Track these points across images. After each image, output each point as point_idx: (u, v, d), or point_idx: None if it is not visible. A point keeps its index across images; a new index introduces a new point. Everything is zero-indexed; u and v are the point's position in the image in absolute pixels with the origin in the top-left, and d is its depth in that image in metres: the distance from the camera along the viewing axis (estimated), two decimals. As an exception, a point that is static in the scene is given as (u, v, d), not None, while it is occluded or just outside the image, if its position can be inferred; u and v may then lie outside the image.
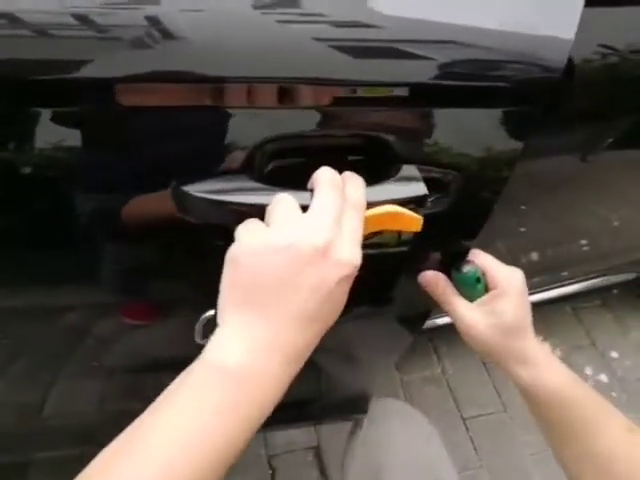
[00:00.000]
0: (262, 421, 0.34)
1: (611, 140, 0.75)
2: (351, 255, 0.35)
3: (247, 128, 0.41)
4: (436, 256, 0.56)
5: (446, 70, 0.42)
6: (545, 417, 0.53)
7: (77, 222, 0.44)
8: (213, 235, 0.43)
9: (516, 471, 1.19)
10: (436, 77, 0.42)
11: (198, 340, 0.42)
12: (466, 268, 0.52)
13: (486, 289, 0.53)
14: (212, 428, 0.32)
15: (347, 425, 1.19)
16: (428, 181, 0.44)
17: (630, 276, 1.29)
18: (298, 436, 1.18)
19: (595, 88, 0.64)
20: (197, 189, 0.40)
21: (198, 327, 0.42)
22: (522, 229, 0.89)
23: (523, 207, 0.84)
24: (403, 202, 0.42)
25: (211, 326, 0.35)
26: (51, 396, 0.66)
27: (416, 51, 0.41)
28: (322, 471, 1.14)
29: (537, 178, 0.77)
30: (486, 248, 0.84)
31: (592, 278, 1.23)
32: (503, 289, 0.51)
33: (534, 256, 0.98)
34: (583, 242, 1.02)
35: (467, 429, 1.24)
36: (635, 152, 0.81)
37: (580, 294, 1.25)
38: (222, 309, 0.35)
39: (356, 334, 0.70)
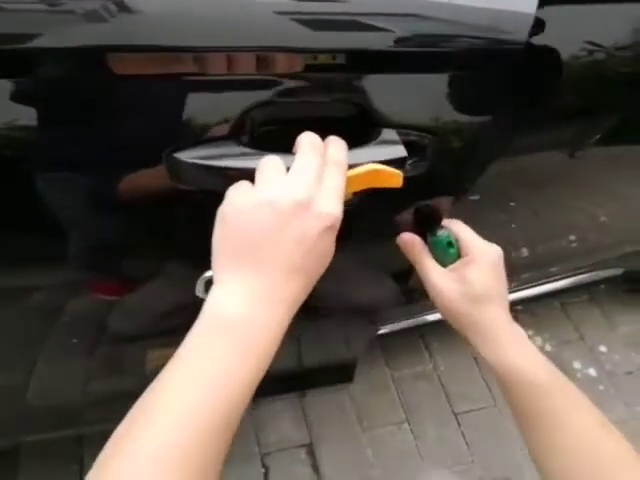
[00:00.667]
0: (262, 373, 0.36)
1: (598, 137, 0.76)
2: (331, 208, 0.37)
3: (232, 96, 0.43)
4: (413, 220, 0.58)
5: (414, 40, 0.45)
6: (511, 401, 0.51)
7: (51, 198, 0.44)
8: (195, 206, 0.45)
9: (508, 465, 1.20)
10: (404, 45, 0.45)
11: (200, 295, 0.43)
12: (439, 232, 0.54)
13: (459, 256, 0.54)
14: (219, 382, 0.34)
15: (339, 423, 1.20)
16: (406, 145, 0.47)
17: (617, 271, 1.31)
18: (290, 434, 1.18)
19: (582, 85, 0.65)
20: (189, 156, 0.42)
21: (199, 284, 0.43)
22: (512, 225, 0.90)
23: (512, 204, 0.85)
24: (384, 164, 0.44)
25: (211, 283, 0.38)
26: (34, 377, 0.67)
27: (379, 24, 0.44)
28: (315, 468, 1.14)
29: (525, 174, 0.78)
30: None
31: (580, 273, 1.24)
32: (474, 257, 0.52)
33: (524, 252, 0.98)
34: (571, 238, 1.03)
35: (459, 424, 1.25)
36: (622, 148, 0.82)
37: (568, 289, 1.26)
38: (215, 267, 0.38)
39: (339, 291, 0.70)
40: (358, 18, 0.43)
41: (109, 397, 0.75)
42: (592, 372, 1.38)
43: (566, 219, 0.97)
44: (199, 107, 0.43)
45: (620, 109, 0.71)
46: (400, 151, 0.46)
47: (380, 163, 0.44)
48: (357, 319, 0.83)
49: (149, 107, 0.43)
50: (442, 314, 0.55)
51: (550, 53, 0.57)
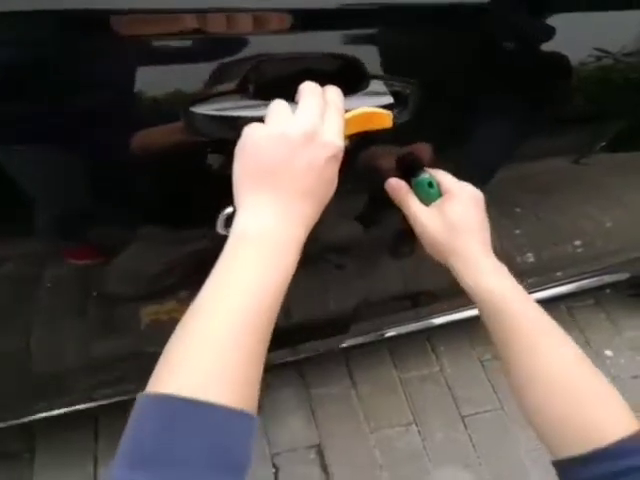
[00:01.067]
0: (286, 285, 0.41)
1: (604, 143, 0.77)
2: (335, 138, 0.43)
3: (235, 54, 0.48)
4: (397, 167, 0.63)
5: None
6: (490, 326, 0.54)
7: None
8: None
9: (514, 467, 1.20)
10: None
11: (220, 231, 0.47)
12: (421, 175, 0.60)
13: (441, 195, 0.59)
14: (250, 287, 0.39)
15: (347, 423, 1.21)
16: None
17: (622, 276, 1.31)
18: (300, 434, 1.20)
19: (589, 91, 0.66)
20: (205, 109, 0.47)
21: (220, 219, 0.47)
22: (517, 231, 0.91)
23: (517, 209, 0.86)
24: None
25: (231, 218, 0.42)
26: (32, 344, 0.69)
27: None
28: (324, 469, 1.16)
29: (530, 180, 0.79)
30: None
31: (586, 278, 1.25)
32: (453, 194, 0.58)
33: (529, 257, 1.00)
34: (577, 243, 1.04)
35: (465, 427, 1.26)
36: (627, 155, 0.83)
37: (574, 294, 1.27)
38: (237, 195, 0.43)
39: (336, 241, 0.74)
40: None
41: (110, 360, 0.77)
42: (598, 376, 1.39)
43: (571, 225, 0.98)
44: (206, 65, 0.48)
45: (625, 116, 0.73)
46: (388, 98, 0.52)
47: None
48: (339, 260, 0.84)
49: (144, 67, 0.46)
50: (427, 249, 0.60)
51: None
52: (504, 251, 0.94)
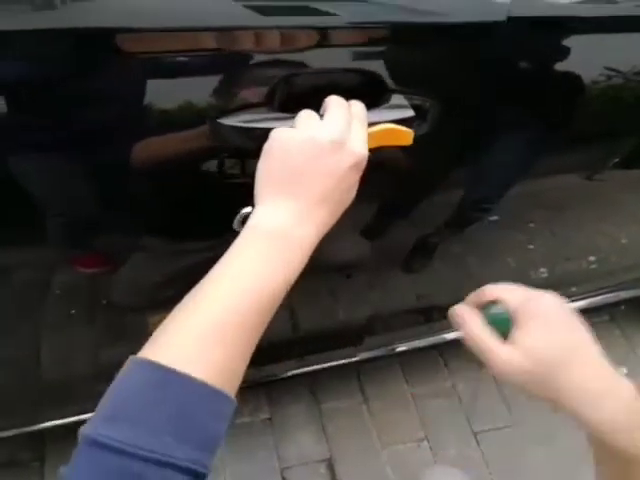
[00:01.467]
0: (291, 281, 0.42)
1: (616, 160, 0.77)
2: (361, 148, 0.45)
3: (261, 69, 0.50)
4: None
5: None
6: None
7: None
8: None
9: (527, 485, 1.19)
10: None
11: (237, 228, 0.47)
12: (490, 310, 0.47)
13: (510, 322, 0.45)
14: (255, 276, 0.40)
15: (358, 438, 1.21)
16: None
17: (638, 292, 1.30)
18: (310, 448, 1.20)
19: (601, 108, 0.67)
20: (231, 121, 0.49)
21: (238, 218, 0.48)
22: (531, 246, 0.91)
23: (532, 225, 0.86)
24: (396, 122, 0.51)
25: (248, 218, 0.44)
26: (42, 352, 0.70)
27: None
28: (335, 483, 1.16)
29: (545, 196, 0.79)
30: (495, 264, 0.85)
31: (600, 294, 1.24)
32: (520, 323, 0.44)
33: (543, 272, 0.99)
34: (591, 259, 1.03)
35: (478, 443, 1.25)
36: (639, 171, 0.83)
37: (588, 310, 1.26)
38: (258, 192, 0.44)
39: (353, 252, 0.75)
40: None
41: (117, 367, 0.77)
42: (613, 393, 1.37)
43: (585, 240, 0.98)
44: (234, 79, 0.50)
45: (638, 133, 0.73)
46: (409, 112, 0.53)
47: (392, 122, 0.51)
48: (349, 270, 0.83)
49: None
50: (526, 395, 0.44)
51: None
52: (518, 266, 0.94)
